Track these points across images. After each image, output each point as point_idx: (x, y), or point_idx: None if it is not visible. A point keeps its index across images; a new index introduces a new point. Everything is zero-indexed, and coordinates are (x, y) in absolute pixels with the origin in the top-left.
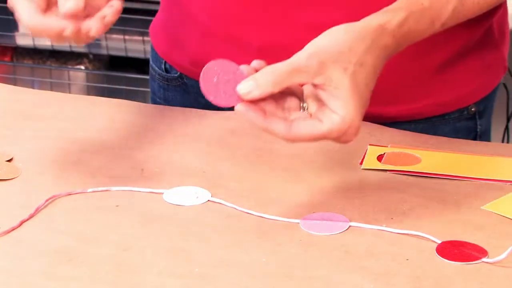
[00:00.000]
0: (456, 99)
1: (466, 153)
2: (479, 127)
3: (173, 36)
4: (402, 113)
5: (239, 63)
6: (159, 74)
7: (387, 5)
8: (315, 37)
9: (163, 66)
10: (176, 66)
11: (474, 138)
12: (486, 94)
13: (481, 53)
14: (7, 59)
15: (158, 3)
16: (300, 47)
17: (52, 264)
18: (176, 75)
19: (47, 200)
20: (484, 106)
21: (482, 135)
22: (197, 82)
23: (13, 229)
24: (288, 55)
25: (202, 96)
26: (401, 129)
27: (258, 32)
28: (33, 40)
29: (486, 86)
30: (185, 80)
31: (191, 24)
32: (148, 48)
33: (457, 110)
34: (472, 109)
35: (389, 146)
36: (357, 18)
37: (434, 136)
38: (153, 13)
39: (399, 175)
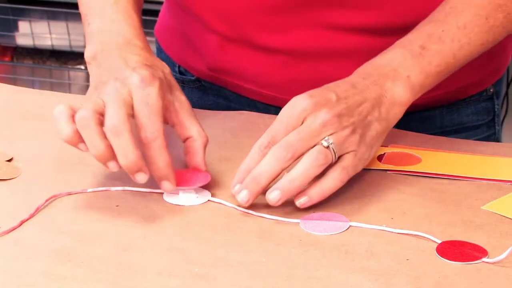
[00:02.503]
0: (477, 82)
1: (466, 153)
2: (496, 106)
3: (187, 43)
4: (427, 100)
5: (263, 66)
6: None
7: (408, 7)
8: (337, 38)
9: (177, 69)
10: (193, 71)
11: (493, 118)
12: (501, 75)
13: None
14: (7, 59)
15: (158, 3)
16: (323, 48)
17: (52, 264)
18: (192, 78)
19: (47, 200)
20: (500, 86)
21: (499, 115)
22: (216, 85)
23: (13, 229)
24: (311, 57)
25: (222, 98)
26: (426, 115)
27: (278, 36)
28: (33, 40)
29: (501, 67)
30: (202, 83)
31: (207, 32)
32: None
33: (477, 92)
34: (491, 90)
35: (389, 146)
36: (377, 18)
37: (434, 136)
38: (153, 13)
39: (399, 175)
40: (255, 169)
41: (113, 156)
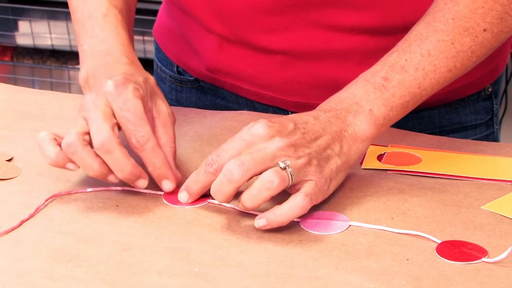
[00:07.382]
0: (475, 81)
1: (466, 153)
2: (495, 106)
3: (185, 43)
4: (425, 100)
5: (261, 67)
6: (170, 76)
7: (406, 7)
8: (335, 39)
9: (175, 69)
10: (191, 71)
11: (492, 118)
12: (500, 74)
13: None
14: (7, 59)
15: (158, 2)
16: (320, 49)
17: (52, 264)
18: (191, 78)
19: (47, 200)
20: (498, 86)
21: (497, 114)
22: (215, 85)
23: (13, 229)
24: (309, 57)
25: (220, 98)
26: (425, 115)
27: (276, 37)
28: (33, 40)
29: (500, 67)
30: (201, 83)
31: (205, 32)
32: (148, 48)
33: (476, 92)
34: (489, 90)
35: (389, 146)
36: (375, 18)
37: (434, 136)
38: (152, 12)
39: (399, 175)
40: (211, 188)
41: (109, 170)
